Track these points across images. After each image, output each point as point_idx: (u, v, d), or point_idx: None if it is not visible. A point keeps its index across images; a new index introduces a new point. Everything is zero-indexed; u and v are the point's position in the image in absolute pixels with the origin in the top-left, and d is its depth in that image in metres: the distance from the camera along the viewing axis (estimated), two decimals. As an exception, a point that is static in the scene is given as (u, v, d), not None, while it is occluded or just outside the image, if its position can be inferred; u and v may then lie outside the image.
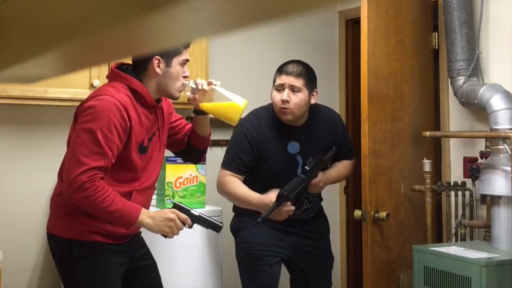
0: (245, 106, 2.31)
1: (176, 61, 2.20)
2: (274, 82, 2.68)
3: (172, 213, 2.17)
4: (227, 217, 2.91)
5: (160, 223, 2.14)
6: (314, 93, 2.68)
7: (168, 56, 2.18)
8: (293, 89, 2.60)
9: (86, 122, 2.05)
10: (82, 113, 2.09)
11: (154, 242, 2.56)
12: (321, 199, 2.89)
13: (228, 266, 3.26)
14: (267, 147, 2.66)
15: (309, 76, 2.65)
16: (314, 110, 2.75)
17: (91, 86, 2.88)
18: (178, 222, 2.16)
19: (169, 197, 3.11)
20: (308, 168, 2.59)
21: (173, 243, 2.99)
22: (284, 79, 2.62)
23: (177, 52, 2.19)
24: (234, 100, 2.29)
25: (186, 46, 2.25)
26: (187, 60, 2.25)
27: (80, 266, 2.16)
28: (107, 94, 2.09)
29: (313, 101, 2.68)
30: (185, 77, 2.24)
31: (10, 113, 3.01)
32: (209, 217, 2.30)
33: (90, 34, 0.40)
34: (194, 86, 2.26)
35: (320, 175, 2.68)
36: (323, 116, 2.78)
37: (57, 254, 2.23)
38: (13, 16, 0.48)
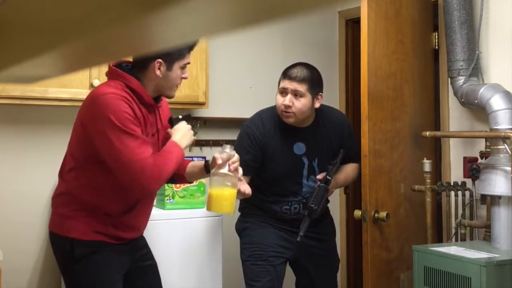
0: (230, 212, 2.17)
1: (177, 65, 2.16)
2: (278, 84, 2.67)
3: (186, 125, 2.27)
4: (227, 217, 2.91)
5: (188, 134, 2.25)
6: (319, 97, 2.67)
7: (170, 59, 2.14)
8: (296, 94, 2.59)
9: (104, 129, 2.01)
10: (89, 117, 2.06)
11: (154, 242, 2.56)
12: (328, 201, 2.89)
13: (228, 266, 3.26)
14: (272, 147, 2.66)
15: (313, 81, 2.63)
16: (321, 112, 2.74)
17: (91, 86, 2.88)
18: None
19: (169, 197, 3.11)
20: (330, 178, 2.67)
21: (173, 243, 3.00)
22: (287, 84, 2.61)
23: (180, 56, 2.16)
24: (231, 199, 2.14)
25: (190, 49, 2.21)
26: (188, 63, 2.22)
27: (82, 266, 2.15)
28: (108, 93, 2.06)
29: (317, 105, 2.67)
30: (183, 78, 2.22)
31: (10, 113, 3.01)
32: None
33: (90, 34, 0.40)
34: (228, 152, 2.16)
35: (332, 181, 2.69)
36: (329, 117, 2.78)
37: (59, 253, 2.23)
38: (13, 16, 0.48)
